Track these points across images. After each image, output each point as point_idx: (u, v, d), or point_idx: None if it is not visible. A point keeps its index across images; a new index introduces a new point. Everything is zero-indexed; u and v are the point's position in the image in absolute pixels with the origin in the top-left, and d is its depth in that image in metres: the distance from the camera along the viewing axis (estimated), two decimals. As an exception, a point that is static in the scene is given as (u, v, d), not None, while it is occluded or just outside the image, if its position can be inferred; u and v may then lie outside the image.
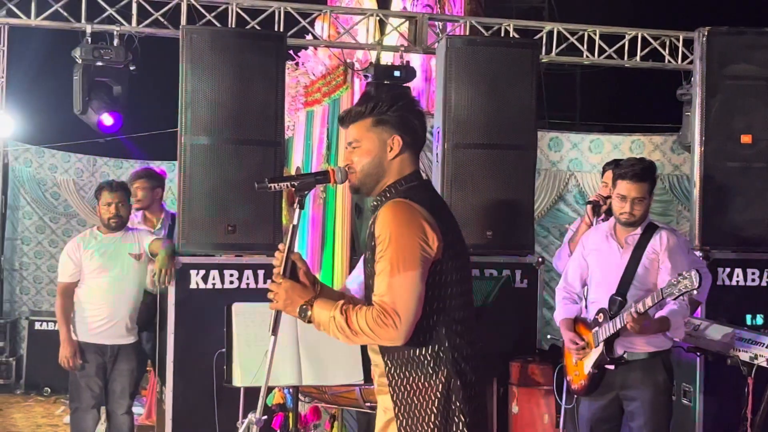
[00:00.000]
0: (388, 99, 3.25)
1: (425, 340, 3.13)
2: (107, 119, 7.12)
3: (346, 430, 6.23)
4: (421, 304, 3.07)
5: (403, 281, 3.03)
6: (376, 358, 3.28)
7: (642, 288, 4.95)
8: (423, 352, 3.14)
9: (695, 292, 4.59)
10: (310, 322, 3.19)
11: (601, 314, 4.96)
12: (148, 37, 7.53)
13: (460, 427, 3.14)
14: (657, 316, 4.87)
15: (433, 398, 3.14)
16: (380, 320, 3.03)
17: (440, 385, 3.14)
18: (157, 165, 11.86)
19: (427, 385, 3.15)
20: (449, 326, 3.15)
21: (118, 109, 7.17)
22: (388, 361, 3.21)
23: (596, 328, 4.97)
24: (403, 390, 3.19)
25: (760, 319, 6.48)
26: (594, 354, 4.97)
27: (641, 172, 5.00)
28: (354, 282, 5.14)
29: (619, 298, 4.94)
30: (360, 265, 4.37)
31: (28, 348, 10.15)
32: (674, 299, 4.67)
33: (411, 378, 3.17)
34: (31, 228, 11.34)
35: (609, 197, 5.69)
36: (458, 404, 3.14)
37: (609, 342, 4.91)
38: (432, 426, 3.13)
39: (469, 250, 3.38)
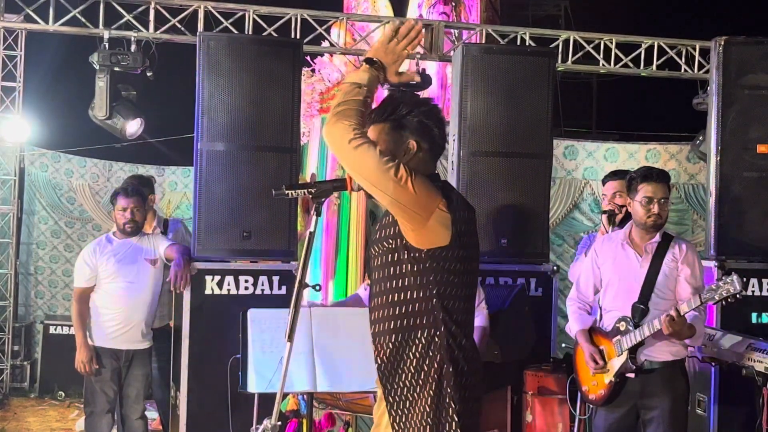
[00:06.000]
0: (408, 104, 3.26)
1: (422, 322, 3.15)
2: (133, 126, 7.15)
3: (360, 436, 6.23)
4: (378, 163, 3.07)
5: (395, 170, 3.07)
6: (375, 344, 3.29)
7: (663, 296, 4.94)
8: (419, 335, 3.16)
9: (738, 296, 4.57)
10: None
11: (623, 322, 4.94)
12: (165, 44, 7.56)
13: (450, 413, 3.13)
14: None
15: (428, 382, 3.14)
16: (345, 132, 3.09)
17: (432, 370, 3.15)
18: (171, 170, 11.98)
19: (419, 369, 3.16)
20: (447, 314, 3.17)
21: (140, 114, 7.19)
22: (385, 344, 3.22)
23: (618, 337, 4.94)
24: (395, 374, 3.20)
25: (765, 318, 6.44)
26: (616, 363, 4.95)
27: (662, 172, 5.05)
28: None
29: (642, 307, 4.92)
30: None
31: (42, 352, 10.21)
32: (714, 303, 4.67)
33: (405, 360, 3.18)
34: (47, 232, 11.38)
35: (624, 206, 5.69)
36: (449, 391, 3.14)
37: (633, 350, 4.90)
38: (423, 409, 3.14)
39: (480, 252, 3.39)
